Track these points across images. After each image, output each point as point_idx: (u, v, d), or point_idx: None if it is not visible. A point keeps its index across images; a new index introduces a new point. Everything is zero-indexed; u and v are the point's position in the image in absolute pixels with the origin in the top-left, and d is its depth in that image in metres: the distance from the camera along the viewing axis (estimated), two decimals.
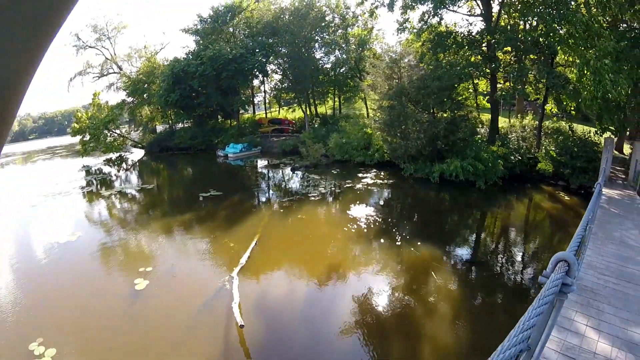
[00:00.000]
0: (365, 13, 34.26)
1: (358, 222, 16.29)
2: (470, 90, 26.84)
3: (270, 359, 8.19)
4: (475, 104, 27.16)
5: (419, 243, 13.46)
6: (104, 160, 45.56)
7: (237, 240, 14.88)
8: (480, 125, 25.36)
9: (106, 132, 46.20)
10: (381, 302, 9.97)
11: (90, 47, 54.16)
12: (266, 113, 54.26)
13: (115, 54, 55.27)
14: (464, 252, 13.52)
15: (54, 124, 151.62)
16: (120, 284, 12.58)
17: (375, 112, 26.55)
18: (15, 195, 29.89)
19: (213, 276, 12.29)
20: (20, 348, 9.42)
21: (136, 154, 50.22)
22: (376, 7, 27.84)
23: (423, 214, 18.32)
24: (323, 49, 40.98)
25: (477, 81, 27.93)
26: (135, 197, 26.62)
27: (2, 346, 9.70)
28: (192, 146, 45.40)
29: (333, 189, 22.75)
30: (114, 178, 35.12)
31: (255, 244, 14.18)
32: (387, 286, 10.71)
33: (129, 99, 52.02)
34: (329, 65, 41.85)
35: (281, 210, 19.20)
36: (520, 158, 21.42)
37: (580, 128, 22.11)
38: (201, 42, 47.01)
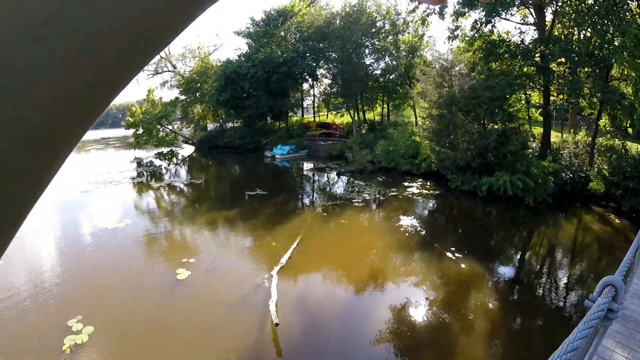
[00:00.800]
0: (416, 20, 33.93)
1: (401, 231, 16.26)
2: (522, 102, 26.07)
3: (302, 358, 8.35)
4: (527, 117, 26.36)
5: (461, 257, 13.25)
6: (155, 154, 47.42)
7: (279, 240, 15.19)
8: (531, 139, 24.58)
9: (159, 127, 48.23)
10: (418, 314, 9.96)
11: None
12: (314, 117, 54.75)
13: (169, 53, 57.48)
14: (507, 271, 13.16)
15: (108, 116, 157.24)
16: (163, 272, 13.14)
17: (424, 120, 26.26)
18: (67, 181, 31.45)
19: (253, 273, 12.63)
20: (60, 323, 10.08)
21: (187, 150, 52.05)
22: (428, 15, 27.66)
23: (468, 228, 17.94)
24: (373, 55, 40.96)
25: (530, 92, 27.13)
26: (184, 190, 27.57)
27: (42, 320, 10.46)
28: (241, 145, 46.46)
29: (377, 196, 22.68)
30: (164, 171, 36.53)
31: (297, 244, 14.42)
32: (425, 299, 10.67)
33: (182, 97, 53.94)
34: (378, 72, 41.74)
35: (324, 214, 19.39)
36: (571, 175, 20.59)
37: (634, 147, 21.10)
38: (253, 44, 48.19)
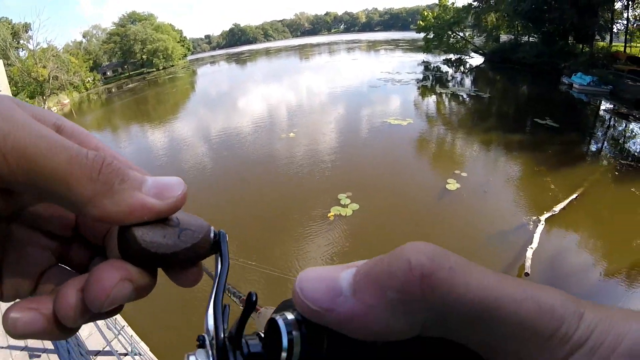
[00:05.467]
0: None
1: None
2: None
3: None
4: None
5: None
6: (443, 60, 47.89)
7: (559, 184, 13.66)
8: None
9: (450, 33, 47.79)
10: None
11: None
12: (625, 47, 45.08)
13: None
14: None
15: (398, 19, 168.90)
16: (433, 177, 13.97)
17: None
18: (359, 77, 34.26)
19: (520, 210, 12.06)
20: (332, 194, 12.10)
21: (475, 60, 50.22)
22: None
23: None
24: None
25: None
26: (466, 101, 27.39)
27: (318, 190, 12.86)
28: (536, 64, 41.70)
29: None
30: (449, 78, 36.83)
31: (576, 196, 12.80)
32: None
33: (476, 3, 50.54)
34: None
35: (616, 173, 15.51)
36: None
37: None
38: None
